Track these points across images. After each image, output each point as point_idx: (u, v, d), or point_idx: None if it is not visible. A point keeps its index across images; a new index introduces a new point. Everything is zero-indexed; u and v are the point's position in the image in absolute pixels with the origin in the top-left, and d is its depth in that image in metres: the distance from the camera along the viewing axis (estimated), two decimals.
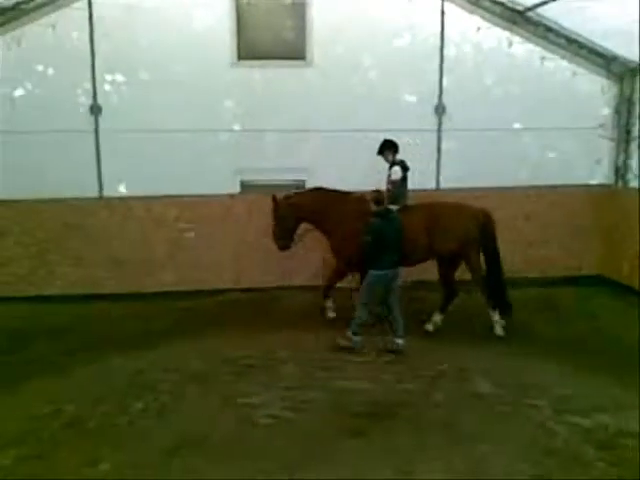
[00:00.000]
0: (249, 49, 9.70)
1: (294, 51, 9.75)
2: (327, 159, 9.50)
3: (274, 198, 8.05)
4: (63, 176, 8.97)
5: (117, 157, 9.34)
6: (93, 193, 9.31)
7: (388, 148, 8.18)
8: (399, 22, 9.58)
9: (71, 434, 5.39)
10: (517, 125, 10.04)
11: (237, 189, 9.55)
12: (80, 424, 5.54)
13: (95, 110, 9.32)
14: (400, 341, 7.09)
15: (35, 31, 9.09)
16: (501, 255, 7.78)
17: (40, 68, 9.25)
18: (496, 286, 7.73)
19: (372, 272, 7.06)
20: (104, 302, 8.78)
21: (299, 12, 9.64)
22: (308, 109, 9.61)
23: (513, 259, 8.59)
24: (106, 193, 9.39)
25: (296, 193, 8.30)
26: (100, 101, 9.35)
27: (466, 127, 9.76)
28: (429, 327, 7.83)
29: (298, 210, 8.10)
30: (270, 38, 9.76)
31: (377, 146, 8.13)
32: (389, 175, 8.11)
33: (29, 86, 9.29)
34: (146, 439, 5.27)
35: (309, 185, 9.04)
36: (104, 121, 9.35)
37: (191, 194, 9.15)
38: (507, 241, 8.17)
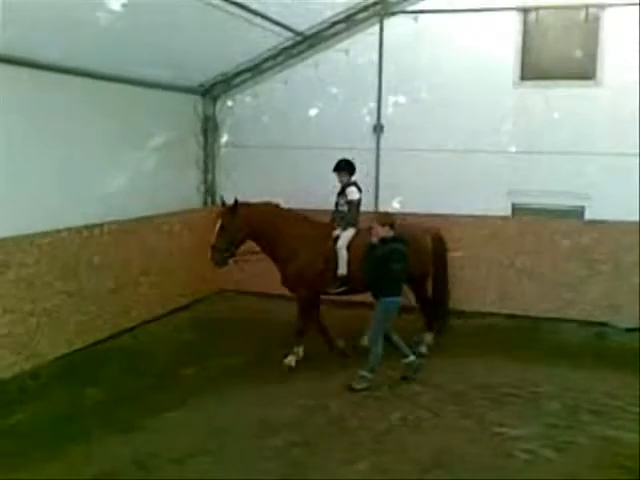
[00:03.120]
0: (533, 69, 9.36)
1: (582, 71, 9.13)
2: (611, 186, 8.74)
3: (223, 204, 7.24)
4: None
5: (394, 174, 9.76)
6: (369, 207, 9.81)
7: (343, 169, 7.61)
8: None
9: (334, 429, 5.80)
10: None
11: (508, 212, 9.33)
12: (342, 422, 5.94)
13: (378, 129, 9.87)
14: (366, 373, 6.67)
15: (330, 56, 9.96)
16: None
17: (333, 90, 10.10)
18: (442, 305, 7.82)
19: (392, 300, 6.63)
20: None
21: (592, 29, 9.01)
22: (592, 131, 8.94)
23: None
24: (381, 208, 9.80)
25: (251, 204, 7.34)
26: (382, 120, 9.87)
27: None
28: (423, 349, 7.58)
29: (252, 223, 7.18)
30: (557, 57, 9.28)
31: None
32: (344, 196, 7.57)
33: (321, 106, 10.20)
34: (402, 449, 5.42)
35: (589, 214, 8.43)
36: (385, 139, 9.86)
37: (461, 214, 9.21)
38: None
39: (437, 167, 9.50)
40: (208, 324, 8.78)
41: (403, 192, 9.75)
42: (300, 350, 7.46)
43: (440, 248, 7.86)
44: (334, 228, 7.56)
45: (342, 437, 5.65)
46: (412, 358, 6.88)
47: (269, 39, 9.40)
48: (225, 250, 7.10)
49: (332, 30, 9.80)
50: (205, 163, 10.61)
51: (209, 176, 10.67)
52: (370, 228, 6.91)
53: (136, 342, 8.24)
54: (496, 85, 9.33)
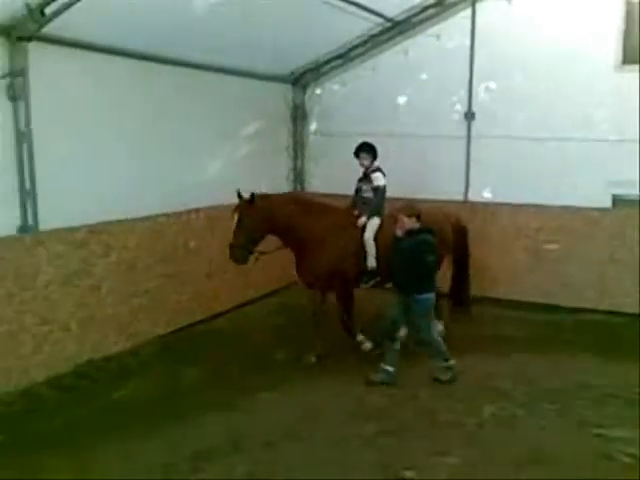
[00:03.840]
0: (636, 52, 8.84)
1: None
2: None
3: (240, 197, 6.73)
4: (433, 179, 9.53)
5: (485, 163, 9.49)
6: (459, 196, 9.68)
7: (365, 151, 7.15)
8: None
9: (424, 421, 5.77)
10: None
11: (608, 203, 8.88)
12: (432, 414, 5.89)
13: (469, 116, 9.60)
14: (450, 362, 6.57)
15: (421, 41, 9.72)
16: None
17: (422, 76, 9.90)
18: (463, 289, 7.67)
19: (428, 296, 6.34)
20: None
21: None
22: None
23: None
24: (471, 197, 9.66)
25: (272, 195, 6.97)
26: (474, 107, 9.59)
27: None
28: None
29: (271, 217, 6.75)
30: None
31: None
32: (368, 182, 7.25)
33: (410, 93, 10.02)
34: (494, 445, 5.34)
35: None
36: (476, 127, 9.60)
37: (557, 205, 8.90)
38: None
39: (531, 156, 9.14)
40: (298, 310, 8.86)
41: (494, 181, 9.49)
42: (360, 335, 7.41)
43: (461, 235, 7.63)
44: (356, 215, 7.26)
45: (432, 430, 5.62)
46: (391, 369, 6.54)
47: (359, 26, 9.33)
48: (241, 246, 6.71)
49: (423, 15, 9.56)
50: (295, 151, 10.76)
51: (298, 163, 10.82)
52: (394, 218, 6.64)
53: (230, 325, 8.50)
54: (595, 69, 8.85)
